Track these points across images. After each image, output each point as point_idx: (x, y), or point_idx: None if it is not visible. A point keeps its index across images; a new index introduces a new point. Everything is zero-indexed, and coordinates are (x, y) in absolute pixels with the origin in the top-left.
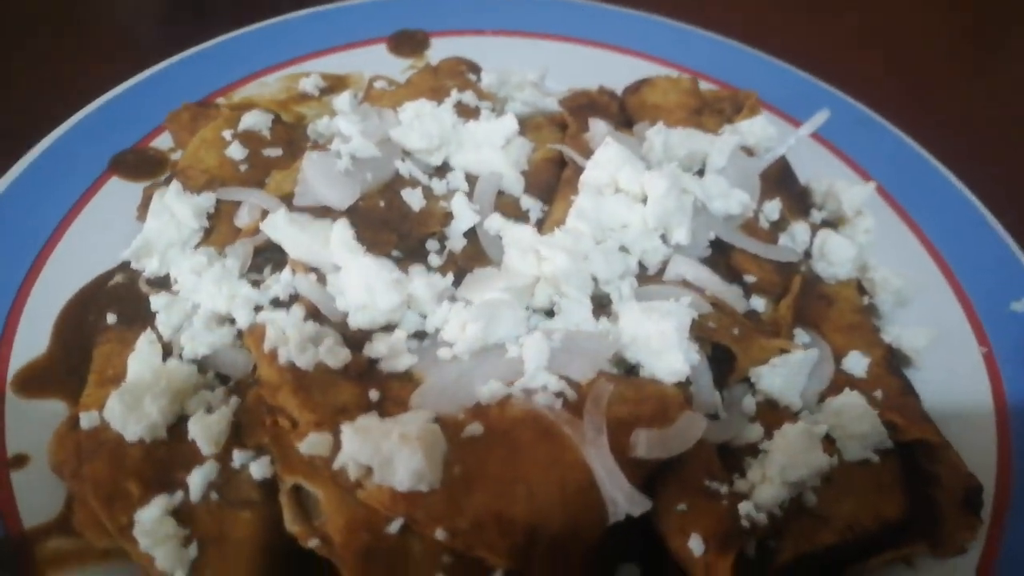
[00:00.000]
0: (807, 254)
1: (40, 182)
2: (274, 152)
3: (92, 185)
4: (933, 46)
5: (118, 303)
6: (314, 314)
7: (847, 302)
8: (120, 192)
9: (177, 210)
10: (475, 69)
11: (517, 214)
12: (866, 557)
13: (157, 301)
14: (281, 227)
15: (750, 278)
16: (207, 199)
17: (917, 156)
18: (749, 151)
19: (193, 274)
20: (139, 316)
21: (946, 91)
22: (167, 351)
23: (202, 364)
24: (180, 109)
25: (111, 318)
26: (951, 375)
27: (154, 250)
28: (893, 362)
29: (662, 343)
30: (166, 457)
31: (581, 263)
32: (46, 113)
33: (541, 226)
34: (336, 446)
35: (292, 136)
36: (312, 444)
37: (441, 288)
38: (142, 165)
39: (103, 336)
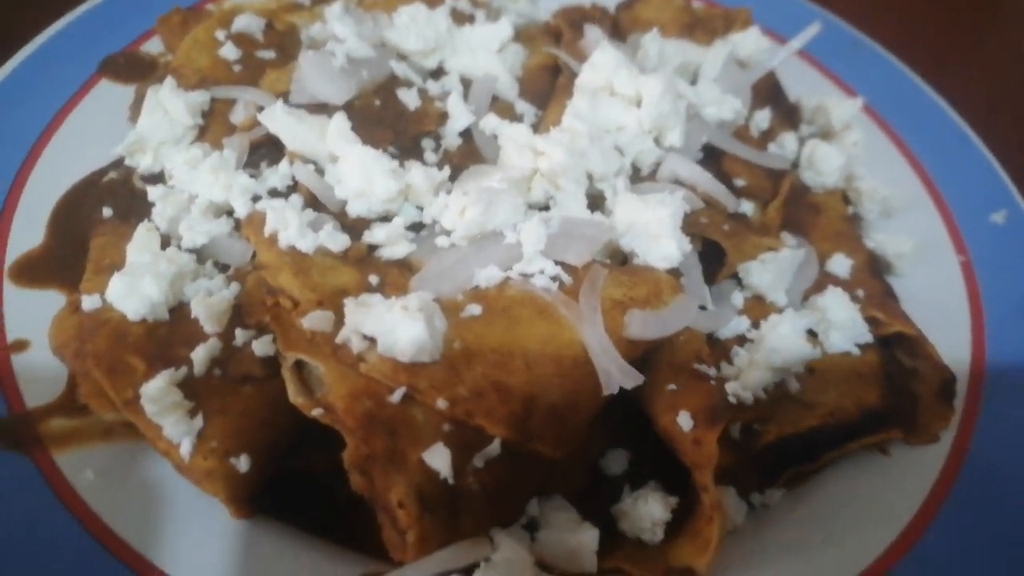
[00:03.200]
0: (795, 164)
1: (29, 83)
2: (267, 54)
3: (82, 86)
4: None
5: (113, 198)
6: (312, 203)
7: (834, 211)
8: (110, 94)
9: (171, 106)
10: None
11: (512, 118)
12: (844, 442)
13: (154, 192)
14: (279, 118)
15: (740, 182)
16: (201, 96)
17: (904, 76)
18: (742, 63)
19: (188, 166)
20: (135, 210)
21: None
22: (165, 242)
23: (201, 253)
24: (171, 12)
25: (107, 212)
26: (930, 282)
27: (148, 146)
28: (875, 267)
29: (657, 229)
30: (168, 335)
31: (578, 159)
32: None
33: (536, 130)
34: (338, 323)
35: (285, 41)
36: (314, 319)
37: (439, 180)
38: (132, 67)
39: (99, 229)
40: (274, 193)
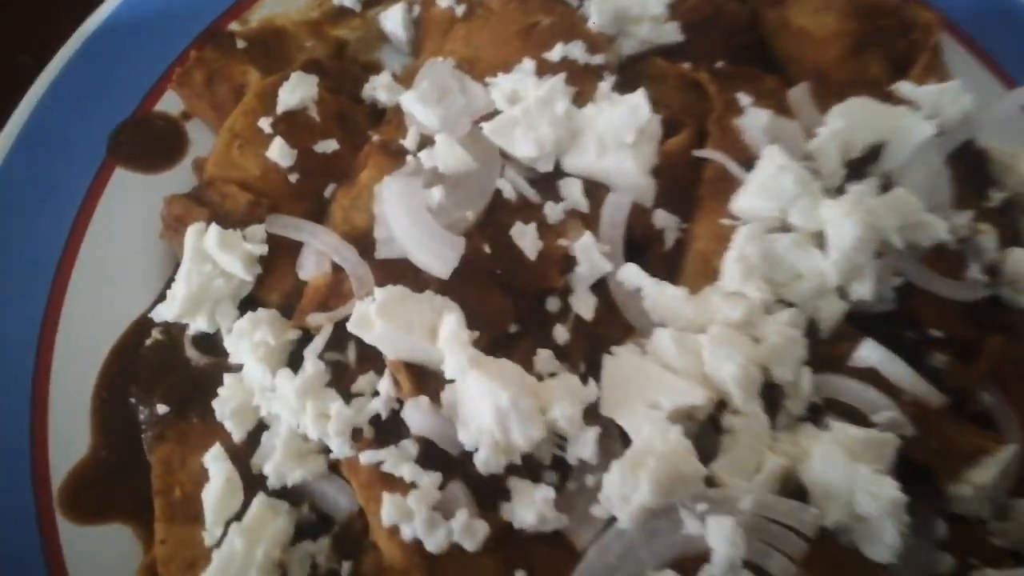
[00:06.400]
0: (991, 271)
1: (32, 182)
2: (328, 146)
3: (91, 186)
4: None
5: (163, 378)
6: (427, 446)
7: None
8: (127, 189)
9: (221, 260)
10: None
11: (648, 231)
12: None
13: (222, 409)
14: (375, 325)
15: (936, 332)
16: (259, 246)
17: None
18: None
19: (260, 363)
20: (193, 399)
21: None
22: (237, 458)
23: (291, 494)
24: (190, 67)
25: (161, 408)
26: None
27: (199, 309)
28: None
29: (871, 509)
30: None
31: (752, 361)
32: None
33: (681, 253)
34: None
35: (344, 108)
36: None
37: (584, 401)
38: (149, 146)
39: (156, 429)
40: (376, 423)
